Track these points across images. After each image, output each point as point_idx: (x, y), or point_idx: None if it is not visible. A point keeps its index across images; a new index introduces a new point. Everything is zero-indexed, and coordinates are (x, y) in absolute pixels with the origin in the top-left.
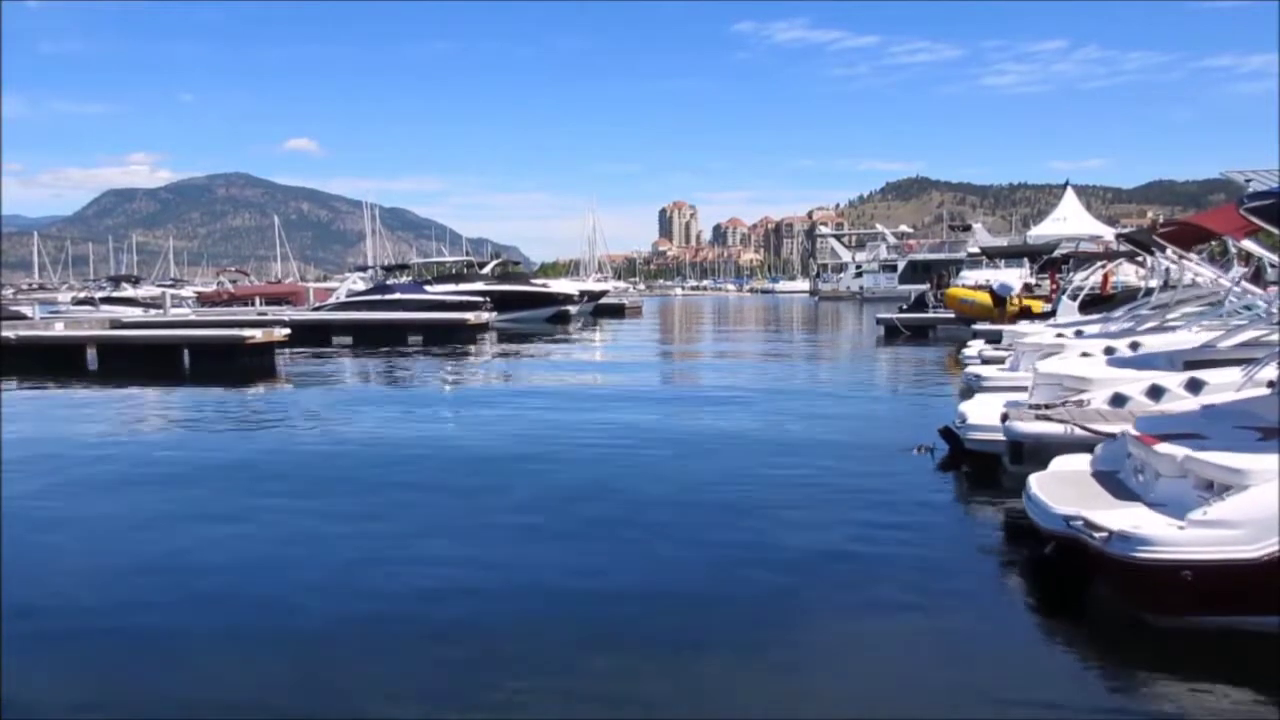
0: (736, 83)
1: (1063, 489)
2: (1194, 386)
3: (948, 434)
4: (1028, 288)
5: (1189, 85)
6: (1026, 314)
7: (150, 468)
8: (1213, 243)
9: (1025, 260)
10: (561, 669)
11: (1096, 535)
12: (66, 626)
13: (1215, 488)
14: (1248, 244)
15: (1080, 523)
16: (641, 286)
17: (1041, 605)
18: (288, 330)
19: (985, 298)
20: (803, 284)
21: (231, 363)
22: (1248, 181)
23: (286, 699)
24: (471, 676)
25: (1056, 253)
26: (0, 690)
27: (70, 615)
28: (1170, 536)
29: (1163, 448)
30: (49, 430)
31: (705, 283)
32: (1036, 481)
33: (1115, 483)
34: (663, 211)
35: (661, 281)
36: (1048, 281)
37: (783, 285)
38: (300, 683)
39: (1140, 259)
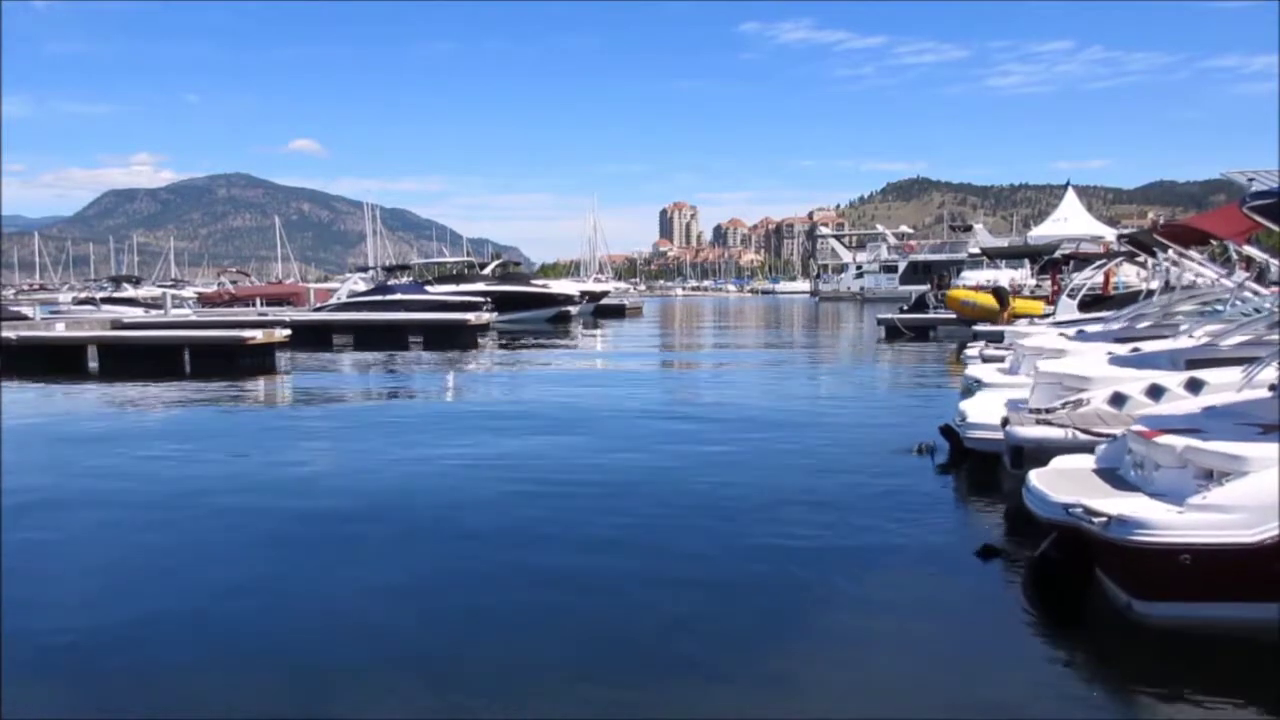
0: (741, 83)
1: (1063, 482)
2: (1194, 386)
3: (948, 432)
4: (1015, 292)
5: (1193, 86)
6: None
7: None
8: (1213, 243)
9: (1026, 261)
10: (559, 663)
11: (1095, 520)
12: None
13: (1215, 475)
14: (1248, 249)
15: (1079, 509)
16: (642, 287)
17: (1041, 605)
18: (288, 331)
19: (986, 299)
20: (803, 285)
21: (232, 363)
22: (1250, 181)
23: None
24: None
25: (1057, 253)
26: (0, 697)
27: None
28: (1169, 520)
29: (1163, 439)
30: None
31: (706, 283)
32: (1036, 476)
33: (1115, 477)
34: (663, 212)
35: (662, 282)
36: (1049, 282)
37: (783, 286)
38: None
39: (1141, 260)
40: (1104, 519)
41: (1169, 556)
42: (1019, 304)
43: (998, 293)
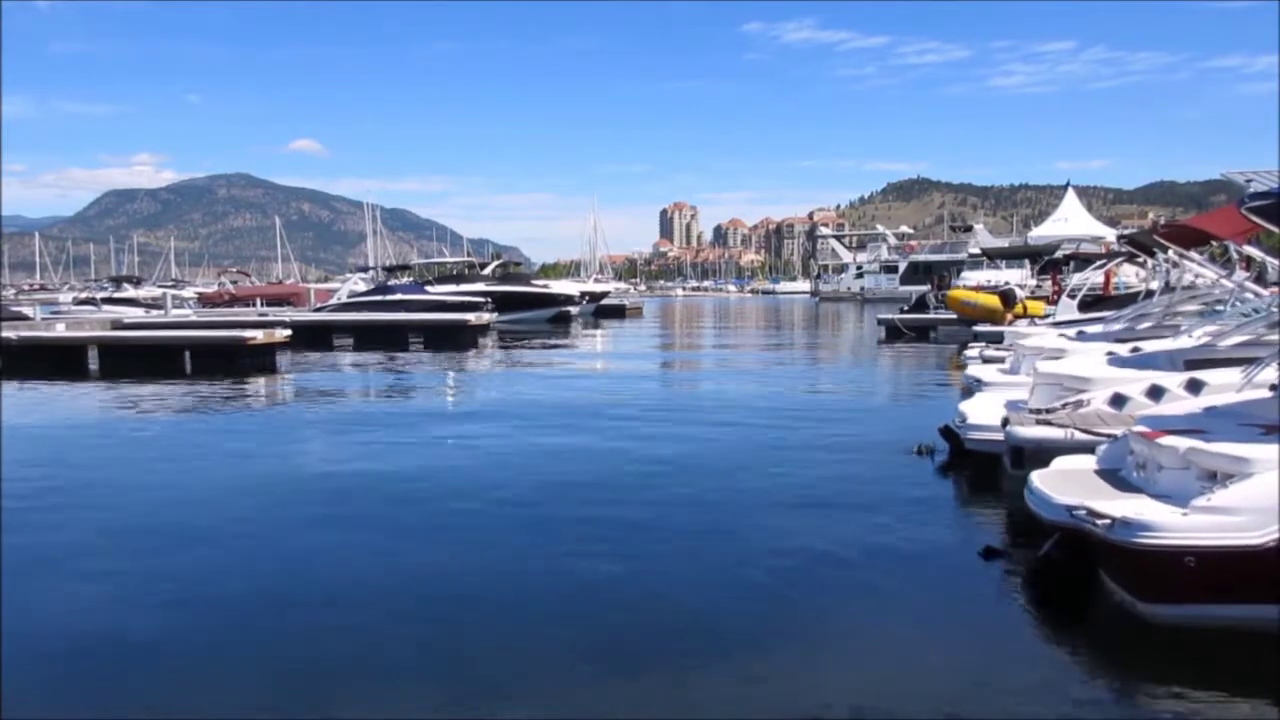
0: (743, 83)
1: (1065, 483)
2: (1194, 387)
3: (948, 433)
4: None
5: (1194, 86)
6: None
7: None
8: (1213, 244)
9: (1026, 261)
10: (559, 664)
11: (1099, 522)
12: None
13: (1218, 477)
14: (1249, 249)
15: (1083, 511)
16: (642, 287)
17: (1043, 605)
18: (289, 331)
19: (988, 298)
20: (803, 285)
21: (233, 363)
22: (1248, 182)
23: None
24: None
25: (1058, 254)
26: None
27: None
28: (1174, 522)
29: (1165, 440)
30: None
31: (706, 284)
32: (1038, 477)
33: (1117, 478)
34: (664, 212)
35: (662, 282)
36: (1049, 283)
37: (783, 286)
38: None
39: (1141, 260)
40: (1108, 521)
41: (1173, 559)
42: (1030, 305)
43: (1005, 295)
